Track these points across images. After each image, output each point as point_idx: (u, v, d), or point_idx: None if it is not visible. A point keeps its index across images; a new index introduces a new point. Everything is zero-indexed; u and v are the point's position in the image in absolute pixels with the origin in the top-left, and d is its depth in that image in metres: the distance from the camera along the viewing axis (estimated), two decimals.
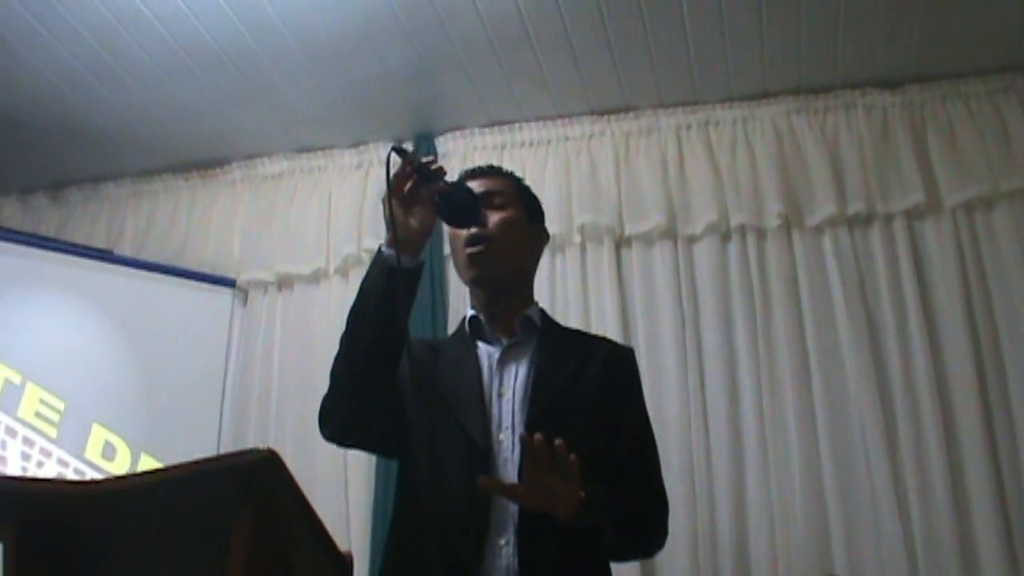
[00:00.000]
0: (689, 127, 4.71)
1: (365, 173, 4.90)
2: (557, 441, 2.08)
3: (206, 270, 4.83)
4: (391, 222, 2.29)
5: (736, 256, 4.50)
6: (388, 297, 2.24)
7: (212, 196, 5.10)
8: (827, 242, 4.45)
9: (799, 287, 4.40)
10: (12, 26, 4.03)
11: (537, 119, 4.80)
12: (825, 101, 4.62)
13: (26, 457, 4.17)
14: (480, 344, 2.55)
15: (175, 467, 1.62)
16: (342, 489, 4.41)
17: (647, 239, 4.57)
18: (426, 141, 4.83)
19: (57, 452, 4.24)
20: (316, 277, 4.82)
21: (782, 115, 4.64)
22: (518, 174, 2.77)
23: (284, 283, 4.87)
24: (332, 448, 4.40)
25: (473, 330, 2.58)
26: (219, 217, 5.04)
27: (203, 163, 5.11)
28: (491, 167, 2.73)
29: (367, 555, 4.23)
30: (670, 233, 4.56)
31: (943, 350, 4.24)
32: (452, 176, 2.51)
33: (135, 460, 4.35)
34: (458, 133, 4.84)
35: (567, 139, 4.77)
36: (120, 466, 4.31)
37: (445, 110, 4.76)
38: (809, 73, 4.53)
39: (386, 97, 4.62)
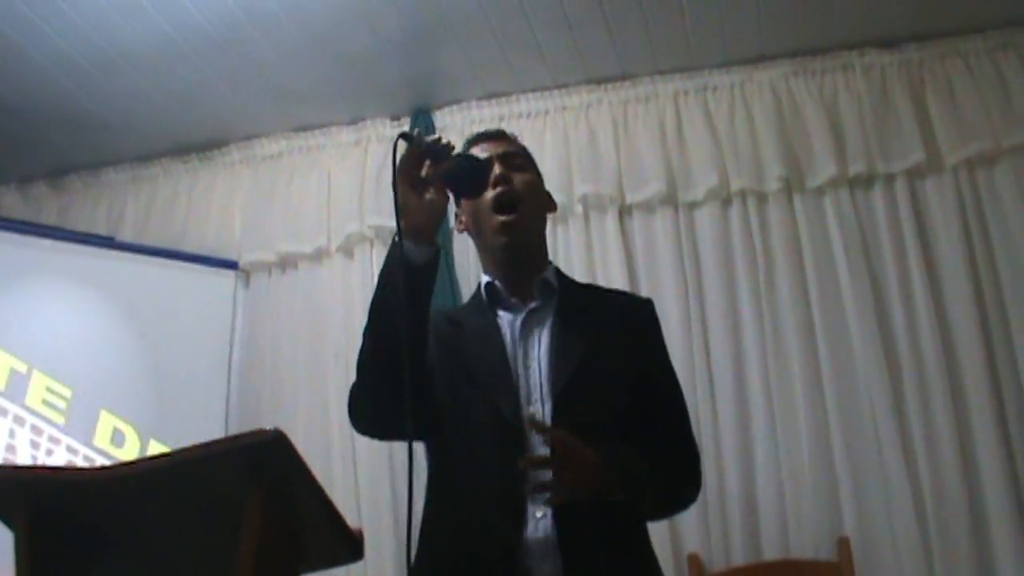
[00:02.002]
0: (687, 93, 4.69)
1: (364, 150, 4.89)
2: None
3: (208, 253, 4.82)
4: (403, 210, 2.22)
5: (738, 221, 4.49)
6: (408, 290, 2.18)
7: (211, 178, 5.09)
8: (828, 204, 4.45)
9: (802, 250, 4.40)
10: (4, 15, 4.01)
11: (534, 90, 4.79)
12: (823, 62, 4.61)
13: (35, 445, 4.18)
14: (500, 312, 2.49)
15: (183, 450, 1.62)
16: (351, 467, 4.42)
17: (648, 207, 4.57)
18: (424, 115, 4.82)
19: (66, 440, 4.24)
20: (318, 256, 4.83)
21: (780, 78, 4.63)
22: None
23: (287, 263, 4.87)
24: (340, 427, 4.46)
25: (491, 297, 2.51)
26: (219, 199, 5.03)
27: (201, 146, 5.10)
28: (500, 130, 2.67)
29: (386, 531, 4.27)
30: (671, 200, 4.55)
31: (947, 308, 4.24)
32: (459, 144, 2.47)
33: (144, 446, 4.35)
34: (456, 107, 4.83)
35: (565, 109, 4.75)
36: (129, 452, 4.31)
37: (442, 84, 4.75)
38: (806, 35, 4.51)
39: (382, 73, 4.60)
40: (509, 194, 2.43)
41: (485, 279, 2.54)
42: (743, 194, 4.50)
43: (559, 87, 4.77)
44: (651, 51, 4.57)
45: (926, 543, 3.95)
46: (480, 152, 2.50)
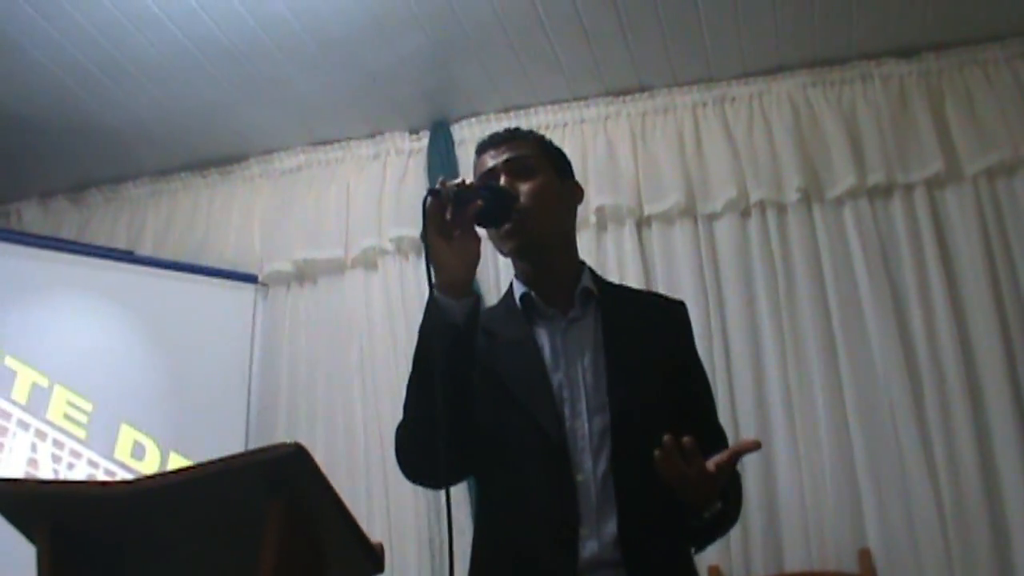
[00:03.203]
0: (705, 104, 4.69)
1: (383, 163, 4.90)
2: (685, 439, 2.03)
3: (227, 266, 4.84)
4: (436, 265, 2.19)
5: (757, 232, 4.48)
6: (451, 349, 2.15)
7: (231, 192, 5.10)
8: (848, 214, 4.43)
9: (821, 260, 4.39)
10: (24, 29, 4.03)
11: (552, 102, 4.79)
12: (841, 73, 4.60)
13: (56, 459, 4.20)
14: (537, 321, 2.40)
15: (203, 464, 1.62)
16: (381, 480, 4.39)
17: (667, 218, 4.56)
18: (442, 129, 4.84)
19: (87, 453, 4.26)
20: (338, 269, 4.83)
21: (798, 89, 4.62)
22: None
23: (306, 276, 4.88)
24: (366, 439, 4.47)
25: (526, 307, 2.41)
26: (239, 213, 5.04)
27: (220, 160, 5.12)
28: (508, 132, 2.55)
29: (411, 544, 4.26)
30: (690, 211, 4.55)
31: (968, 318, 4.23)
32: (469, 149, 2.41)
33: (164, 459, 4.36)
34: (473, 120, 4.84)
35: (583, 121, 4.75)
36: (150, 466, 4.32)
37: (460, 97, 4.76)
38: (824, 45, 4.51)
39: (400, 86, 4.62)
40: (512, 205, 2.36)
41: (520, 290, 2.45)
42: (762, 205, 4.50)
43: (577, 99, 4.78)
44: (669, 63, 4.57)
45: (947, 554, 3.93)
46: (489, 160, 2.44)
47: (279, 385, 4.72)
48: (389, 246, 4.73)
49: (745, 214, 4.53)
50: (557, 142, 4.53)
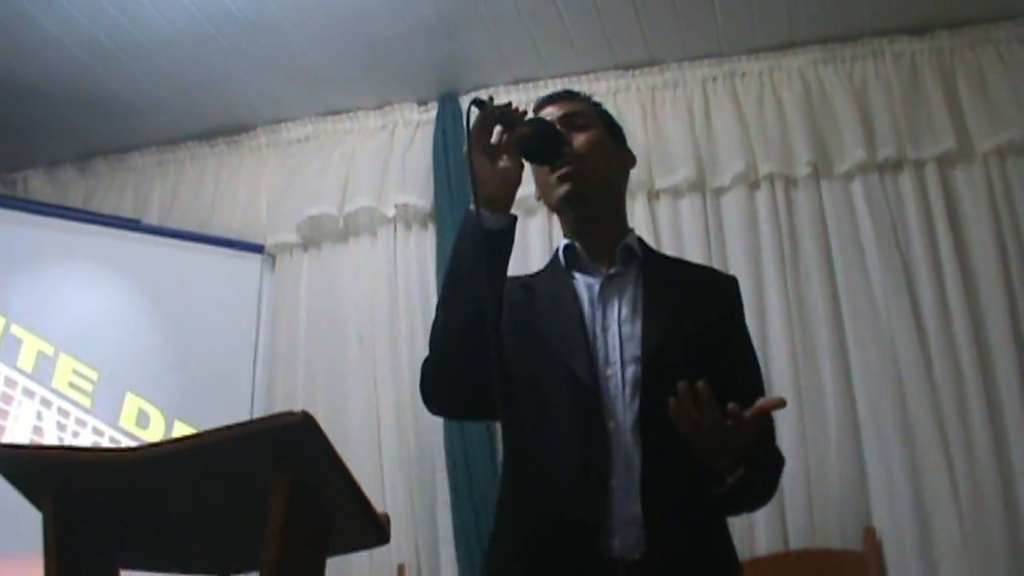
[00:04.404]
0: (715, 79, 4.66)
1: (390, 134, 4.89)
2: (699, 384, 2.00)
3: (234, 236, 4.84)
4: (477, 179, 2.19)
5: (765, 205, 4.46)
6: (482, 261, 2.13)
7: (238, 162, 5.09)
8: (857, 189, 4.41)
9: (829, 235, 4.37)
10: None
11: (562, 75, 4.76)
12: (852, 49, 4.57)
13: (62, 427, 4.21)
14: (577, 275, 2.43)
15: (209, 432, 1.62)
16: (376, 451, 4.42)
17: (675, 192, 4.54)
18: (451, 101, 4.82)
19: (92, 421, 4.27)
20: (344, 238, 4.83)
21: (809, 65, 4.59)
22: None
23: (312, 246, 4.88)
24: (365, 409, 4.47)
25: (568, 260, 2.45)
26: (245, 183, 5.04)
27: (228, 129, 5.10)
28: (567, 91, 2.63)
29: (406, 515, 4.29)
30: (699, 185, 4.53)
31: (978, 295, 4.20)
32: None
33: (169, 427, 4.37)
34: (483, 92, 4.80)
35: (593, 95, 4.70)
36: (154, 434, 4.33)
37: (469, 69, 4.74)
38: (836, 22, 4.48)
39: (409, 57, 4.60)
40: (567, 151, 2.38)
41: (564, 242, 2.48)
42: (771, 178, 4.47)
43: (587, 73, 4.75)
44: (680, 37, 4.54)
45: (960, 532, 3.90)
46: (546, 116, 2.46)
47: (285, 354, 4.72)
48: (395, 214, 4.73)
49: (754, 187, 4.51)
50: None
